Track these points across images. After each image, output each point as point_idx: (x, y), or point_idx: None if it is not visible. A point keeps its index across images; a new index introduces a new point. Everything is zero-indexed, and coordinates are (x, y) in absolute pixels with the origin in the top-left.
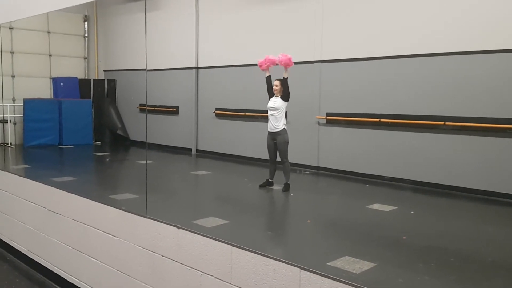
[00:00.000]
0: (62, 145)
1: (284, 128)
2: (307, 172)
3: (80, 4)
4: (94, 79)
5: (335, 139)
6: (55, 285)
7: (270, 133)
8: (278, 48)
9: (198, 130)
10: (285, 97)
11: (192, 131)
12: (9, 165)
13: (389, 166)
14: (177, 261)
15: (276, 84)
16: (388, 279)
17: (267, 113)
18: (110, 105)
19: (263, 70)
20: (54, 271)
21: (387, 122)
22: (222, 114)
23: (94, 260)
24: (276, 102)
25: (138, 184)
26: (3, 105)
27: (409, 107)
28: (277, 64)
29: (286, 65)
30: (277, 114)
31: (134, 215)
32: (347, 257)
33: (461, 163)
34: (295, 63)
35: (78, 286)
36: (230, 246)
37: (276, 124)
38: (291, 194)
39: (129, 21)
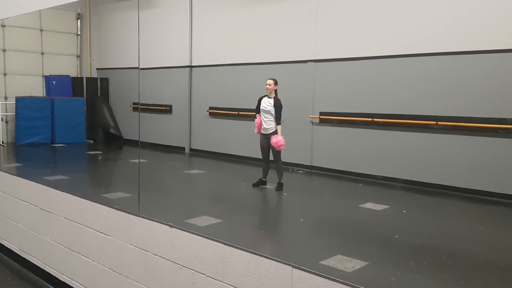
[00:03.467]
0: (54, 143)
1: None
2: (300, 171)
3: (73, 2)
4: (86, 77)
5: (328, 138)
6: (47, 284)
7: (263, 133)
8: (272, 47)
9: (191, 128)
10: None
11: (186, 129)
12: (1, 163)
13: (382, 165)
14: (169, 260)
15: (269, 83)
16: (380, 277)
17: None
18: (103, 104)
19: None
20: (46, 270)
21: (380, 121)
22: (216, 113)
23: (87, 259)
24: (268, 105)
25: (131, 182)
26: None
27: (402, 107)
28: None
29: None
30: (269, 117)
31: (127, 214)
32: (339, 256)
33: (453, 163)
34: (289, 62)
35: (71, 285)
36: (223, 245)
37: (268, 127)
38: (284, 193)
39: (122, 19)
